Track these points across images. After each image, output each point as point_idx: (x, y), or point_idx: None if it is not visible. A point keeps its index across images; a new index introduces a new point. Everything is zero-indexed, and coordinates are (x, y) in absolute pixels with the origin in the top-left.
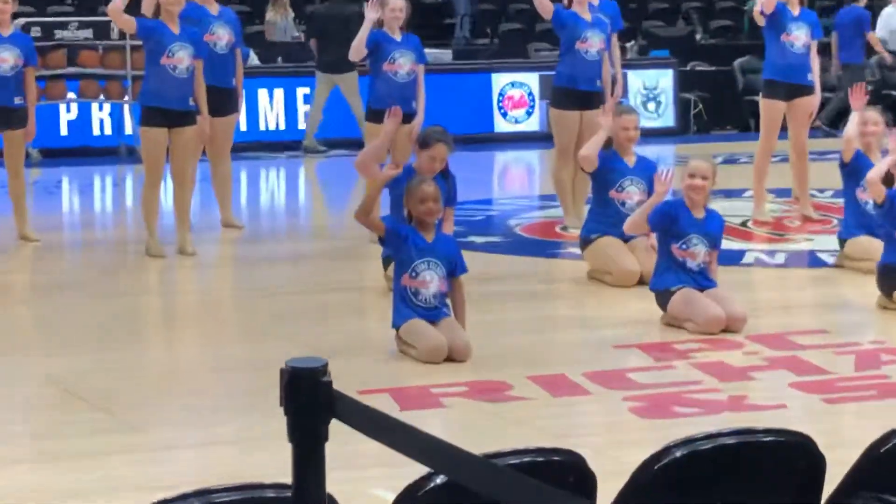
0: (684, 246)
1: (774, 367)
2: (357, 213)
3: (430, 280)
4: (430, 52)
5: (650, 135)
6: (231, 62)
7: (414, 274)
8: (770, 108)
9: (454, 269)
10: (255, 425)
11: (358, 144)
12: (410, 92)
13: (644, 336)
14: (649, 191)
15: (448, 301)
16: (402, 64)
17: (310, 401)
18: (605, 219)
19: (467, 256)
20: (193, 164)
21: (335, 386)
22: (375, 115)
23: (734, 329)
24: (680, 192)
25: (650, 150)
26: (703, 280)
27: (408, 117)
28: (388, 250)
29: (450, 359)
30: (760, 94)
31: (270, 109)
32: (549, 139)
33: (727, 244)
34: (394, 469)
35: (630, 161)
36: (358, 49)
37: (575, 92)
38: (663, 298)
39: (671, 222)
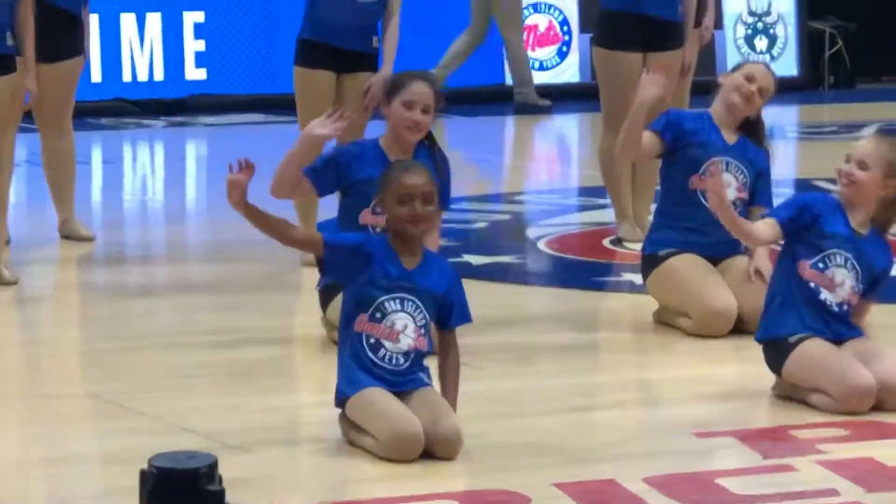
0: (822, 265)
1: None
2: (274, 185)
3: (403, 328)
4: None
5: None
6: None
7: (378, 315)
8: None
9: (447, 316)
10: None
11: (282, 104)
12: (371, 19)
13: (744, 417)
14: (753, 183)
15: (426, 364)
16: None
17: None
18: (683, 223)
19: None
20: (10, 137)
21: (235, 492)
22: (310, 54)
23: (891, 406)
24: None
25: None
26: (842, 326)
27: (365, 60)
28: (332, 277)
29: (429, 453)
30: None
31: (140, 49)
32: (592, 96)
33: None
34: None
35: (730, 136)
36: None
37: (636, 19)
38: (777, 354)
39: (810, 222)
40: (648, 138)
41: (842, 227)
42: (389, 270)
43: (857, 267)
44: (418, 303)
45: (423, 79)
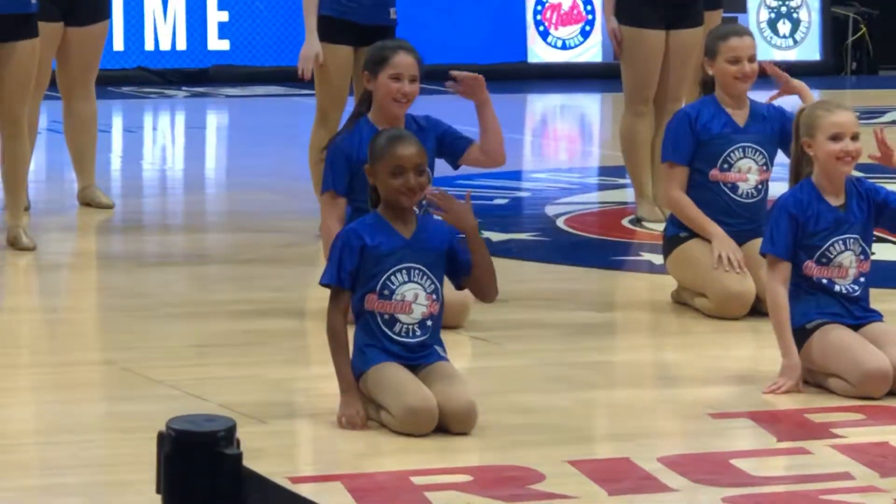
0: (825, 259)
1: None
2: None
3: (414, 298)
4: None
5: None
6: None
7: (386, 292)
8: None
9: (459, 263)
10: None
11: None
12: None
13: (760, 399)
14: (776, 149)
15: (441, 337)
16: None
17: (203, 483)
18: (704, 208)
19: None
20: (34, 103)
21: (249, 462)
22: (329, 29)
23: None
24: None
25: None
26: (860, 310)
27: (384, 33)
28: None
29: (443, 427)
30: None
31: (163, 18)
32: (614, 76)
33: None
34: None
35: (740, 116)
36: None
37: None
38: (796, 340)
39: (802, 233)
40: (680, 174)
41: (827, 217)
42: (388, 243)
43: (857, 237)
44: (424, 269)
45: (405, 49)
